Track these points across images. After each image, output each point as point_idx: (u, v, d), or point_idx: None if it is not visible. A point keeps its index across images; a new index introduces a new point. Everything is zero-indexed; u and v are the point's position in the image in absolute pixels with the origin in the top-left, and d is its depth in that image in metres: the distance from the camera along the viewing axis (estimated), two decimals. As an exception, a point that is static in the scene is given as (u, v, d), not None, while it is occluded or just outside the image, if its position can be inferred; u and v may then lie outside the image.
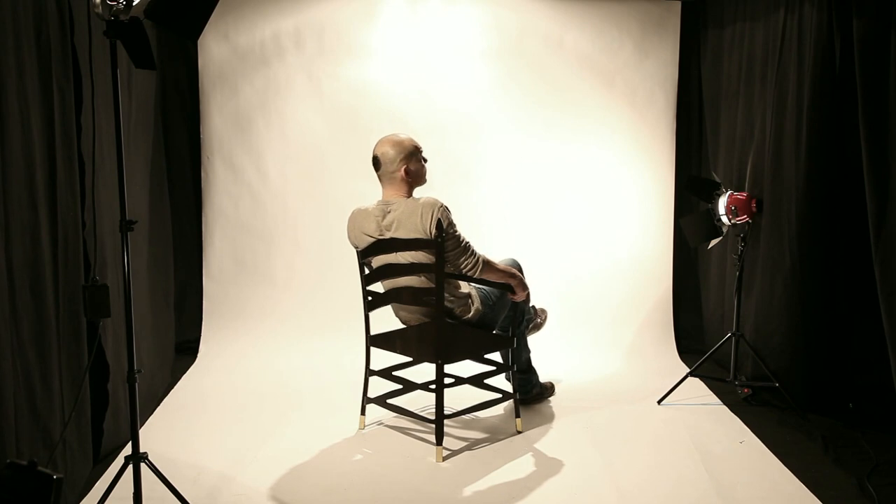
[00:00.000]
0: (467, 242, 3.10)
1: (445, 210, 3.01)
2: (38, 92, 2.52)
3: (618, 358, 4.42)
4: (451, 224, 3.03)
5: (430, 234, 2.99)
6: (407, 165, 3.12)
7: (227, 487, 2.80)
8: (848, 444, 3.16)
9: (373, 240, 3.13)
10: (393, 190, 3.16)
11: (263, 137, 4.60)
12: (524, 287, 3.32)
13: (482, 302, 3.26)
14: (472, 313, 3.23)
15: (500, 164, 4.65)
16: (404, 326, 3.29)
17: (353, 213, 3.23)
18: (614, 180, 4.67)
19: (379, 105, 4.56)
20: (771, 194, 3.62)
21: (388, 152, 3.13)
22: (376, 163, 3.17)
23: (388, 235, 3.09)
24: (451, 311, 3.17)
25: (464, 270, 3.09)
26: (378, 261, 3.20)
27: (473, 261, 3.10)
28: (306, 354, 4.35)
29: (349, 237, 3.24)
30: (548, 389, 3.76)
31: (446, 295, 3.07)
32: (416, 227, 3.01)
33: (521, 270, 3.40)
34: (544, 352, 4.00)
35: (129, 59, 2.27)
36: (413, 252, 3.08)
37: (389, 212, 3.10)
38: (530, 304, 3.59)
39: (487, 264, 3.14)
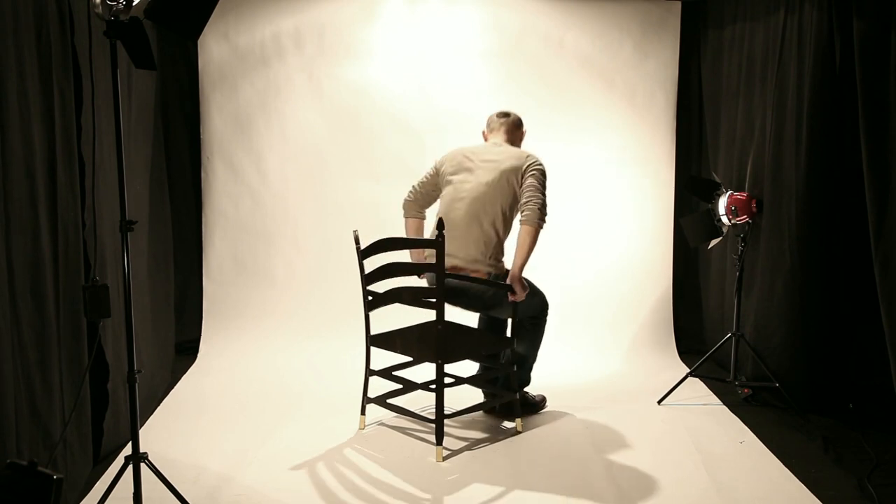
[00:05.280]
0: (544, 198, 3.26)
1: (541, 165, 3.33)
2: (38, 92, 2.52)
3: (618, 358, 4.42)
4: (543, 174, 3.30)
5: (524, 167, 3.29)
6: (524, 137, 3.57)
7: (227, 487, 2.80)
8: (848, 444, 3.16)
9: (470, 163, 3.35)
10: (506, 139, 3.47)
11: (263, 137, 4.60)
12: (524, 287, 3.33)
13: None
14: (495, 271, 3.28)
15: (500, 164, 4.65)
16: (404, 327, 3.29)
17: (459, 148, 3.47)
18: (614, 180, 4.66)
19: (379, 105, 4.56)
20: (771, 194, 3.62)
21: (520, 120, 3.54)
22: (507, 115, 3.50)
23: (488, 160, 3.33)
24: (486, 255, 3.28)
25: (521, 209, 3.25)
26: (452, 188, 3.36)
27: (536, 209, 3.21)
28: (306, 354, 4.35)
29: (442, 160, 3.45)
30: (539, 403, 3.64)
31: (493, 238, 3.27)
32: (516, 156, 3.33)
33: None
34: (544, 352, 3.98)
35: (129, 59, 2.27)
36: (496, 176, 3.27)
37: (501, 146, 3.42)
38: (531, 394, 3.59)
39: (531, 234, 3.20)
